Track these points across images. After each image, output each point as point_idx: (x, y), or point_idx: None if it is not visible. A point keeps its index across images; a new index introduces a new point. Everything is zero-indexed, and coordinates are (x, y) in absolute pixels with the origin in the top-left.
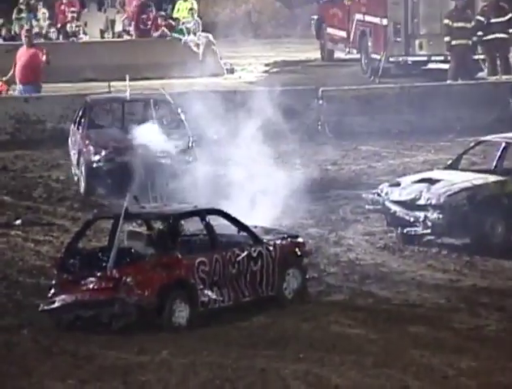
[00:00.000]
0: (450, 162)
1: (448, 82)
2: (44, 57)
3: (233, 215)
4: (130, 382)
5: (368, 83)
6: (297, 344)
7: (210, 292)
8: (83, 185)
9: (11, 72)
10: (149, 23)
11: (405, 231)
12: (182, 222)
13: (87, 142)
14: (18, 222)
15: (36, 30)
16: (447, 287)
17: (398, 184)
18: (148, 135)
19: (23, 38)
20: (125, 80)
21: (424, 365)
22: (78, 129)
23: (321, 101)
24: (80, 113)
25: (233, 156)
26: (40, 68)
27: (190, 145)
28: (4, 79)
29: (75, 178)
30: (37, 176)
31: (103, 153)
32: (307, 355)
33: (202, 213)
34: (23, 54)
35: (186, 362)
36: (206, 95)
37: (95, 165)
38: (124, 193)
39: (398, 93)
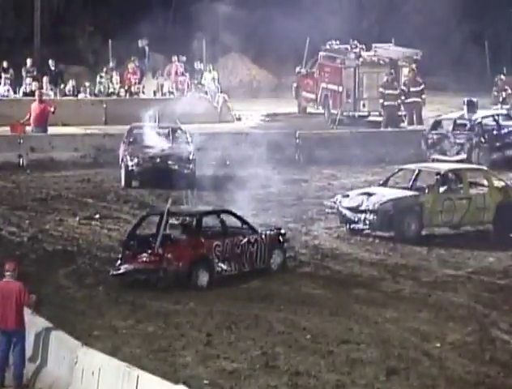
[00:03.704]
0: (381, 182)
1: (381, 129)
2: (52, 109)
3: (238, 214)
4: (168, 322)
5: (329, 128)
6: (279, 300)
7: (222, 265)
8: (123, 180)
9: (27, 117)
10: (185, 86)
11: (351, 227)
12: (204, 218)
13: (125, 153)
14: (97, 216)
15: (111, 90)
16: (378, 263)
17: (347, 195)
18: (165, 150)
19: (36, 96)
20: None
21: (362, 315)
22: (123, 144)
23: (297, 140)
24: (126, 134)
25: (237, 174)
26: (48, 117)
27: (192, 157)
28: (22, 121)
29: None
30: (110, 186)
31: (135, 160)
32: (285, 307)
33: (217, 212)
34: (36, 107)
35: (206, 310)
36: (223, 135)
37: (129, 168)
38: (148, 186)
39: (348, 136)
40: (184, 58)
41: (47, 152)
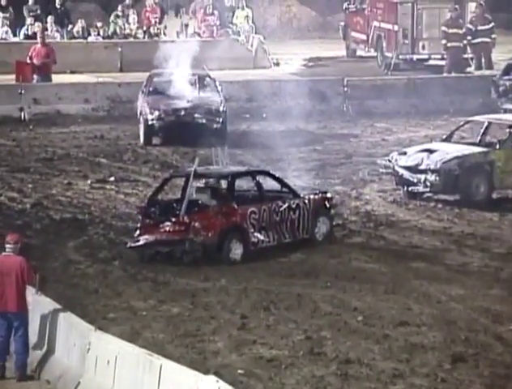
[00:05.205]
0: (445, 136)
1: (444, 74)
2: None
3: (277, 176)
4: (196, 302)
5: (382, 75)
6: (325, 275)
7: (259, 235)
8: (141, 137)
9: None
10: (214, 27)
11: (410, 189)
12: (237, 180)
13: (145, 104)
14: (111, 178)
15: (127, 31)
16: (441, 232)
17: (404, 153)
18: (191, 101)
19: (38, 38)
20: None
21: (423, 293)
22: (142, 94)
23: (346, 88)
24: (145, 83)
25: (275, 128)
26: (52, 63)
27: (222, 109)
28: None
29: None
30: (127, 143)
31: (156, 114)
32: (333, 284)
33: (252, 173)
34: (39, 51)
35: (240, 288)
36: (259, 83)
37: (149, 123)
38: (171, 143)
39: (405, 83)
40: None
41: (53, 104)
